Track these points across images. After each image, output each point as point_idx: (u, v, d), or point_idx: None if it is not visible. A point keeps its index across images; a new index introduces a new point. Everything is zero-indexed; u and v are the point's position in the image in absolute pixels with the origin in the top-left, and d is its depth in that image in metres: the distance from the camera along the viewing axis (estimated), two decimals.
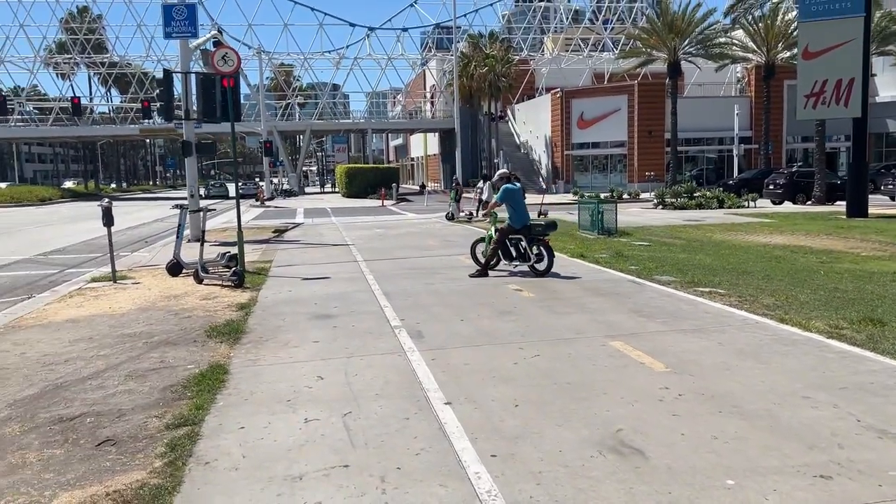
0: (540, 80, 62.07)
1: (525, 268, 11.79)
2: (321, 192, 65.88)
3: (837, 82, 22.78)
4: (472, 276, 11.62)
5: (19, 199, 50.07)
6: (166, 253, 14.74)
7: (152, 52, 67.31)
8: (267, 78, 66.76)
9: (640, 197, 37.78)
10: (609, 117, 45.48)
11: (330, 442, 4.64)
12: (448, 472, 4.13)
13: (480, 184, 25.92)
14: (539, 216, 26.31)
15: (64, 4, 66.56)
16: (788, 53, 38.96)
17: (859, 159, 23.75)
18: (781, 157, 46.27)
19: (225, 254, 12.19)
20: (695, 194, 30.38)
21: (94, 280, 12.24)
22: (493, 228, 12.27)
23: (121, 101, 76.60)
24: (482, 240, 12.62)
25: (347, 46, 68.43)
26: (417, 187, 62.70)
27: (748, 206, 29.21)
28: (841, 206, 25.44)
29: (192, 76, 17.07)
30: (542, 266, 11.58)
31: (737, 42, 42.17)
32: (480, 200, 24.24)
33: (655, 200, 31.17)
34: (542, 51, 69.99)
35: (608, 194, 32.51)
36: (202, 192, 34.60)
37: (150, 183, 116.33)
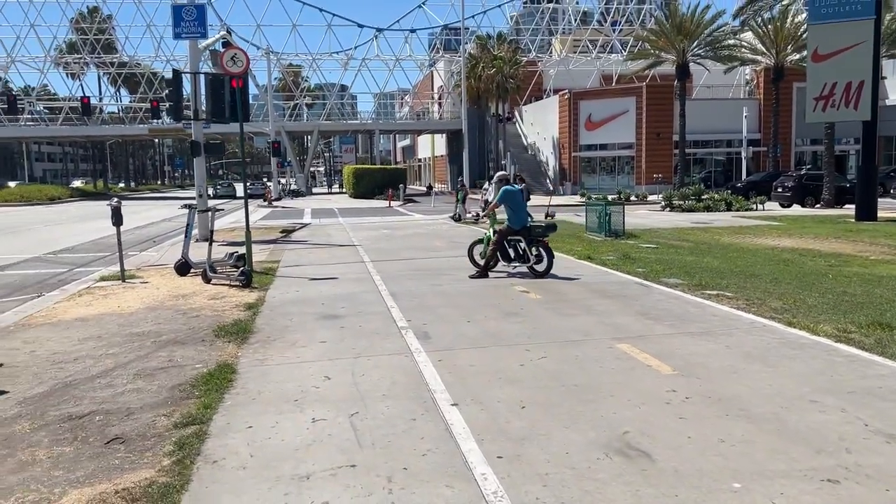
0: (548, 82, 62.06)
1: (524, 269, 11.83)
2: (328, 193, 66.00)
3: (847, 85, 22.70)
4: (471, 276, 11.65)
5: (29, 198, 50.39)
6: (174, 252, 14.81)
7: (161, 52, 67.75)
8: (275, 78, 66.98)
9: (648, 199, 37.70)
10: (617, 119, 45.43)
11: (337, 442, 4.66)
12: (454, 472, 4.15)
13: (486, 185, 25.91)
14: (546, 217, 26.33)
15: (74, 5, 67.11)
16: (798, 56, 38.84)
17: (869, 162, 23.63)
18: (790, 159, 46.11)
19: (233, 254, 12.24)
20: (703, 197, 30.30)
21: (102, 279, 12.30)
22: (491, 230, 12.30)
23: (130, 101, 77.01)
24: (480, 241, 12.64)
25: (356, 47, 68.91)
26: (424, 188, 62.77)
27: (756, 209, 29.11)
28: (850, 209, 25.32)
29: (202, 76, 17.16)
30: (541, 267, 11.63)
31: (746, 44, 42.07)
32: (486, 202, 24.23)
33: (663, 203, 31.11)
34: (550, 52, 69.97)
35: (616, 196, 32.46)
36: (210, 191, 34.70)
37: (159, 182, 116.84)
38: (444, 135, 66.36)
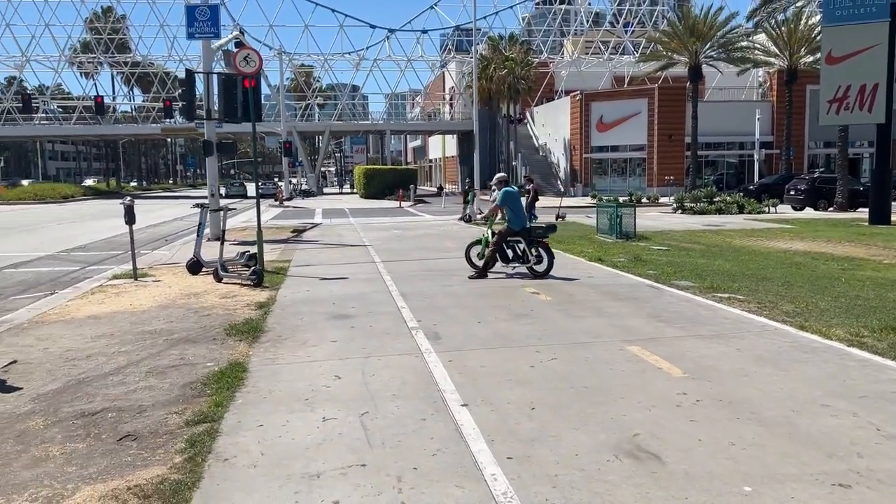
0: (559, 83, 61.97)
1: (523, 269, 11.89)
2: (339, 193, 66.15)
3: (861, 87, 22.56)
4: (470, 277, 11.72)
5: (42, 197, 50.77)
6: (186, 251, 14.90)
7: (175, 52, 68.15)
8: (287, 79, 67.24)
9: (659, 201, 37.58)
10: (629, 121, 45.31)
11: (347, 441, 4.68)
12: (464, 473, 4.15)
13: (515, 187, 25.72)
14: (556, 219, 26.32)
15: (89, 4, 67.59)
16: (811, 58, 38.62)
17: (883, 165, 23.48)
18: (803, 162, 45.84)
19: (244, 253, 12.30)
20: (714, 199, 30.17)
21: (115, 277, 12.39)
22: (489, 231, 12.34)
23: (143, 101, 77.48)
24: (479, 242, 12.66)
25: (367, 48, 68.97)
26: (435, 189, 62.78)
27: (768, 212, 28.96)
28: (863, 212, 25.14)
29: (214, 76, 17.23)
30: (541, 268, 11.72)
31: (759, 46, 41.86)
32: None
33: (674, 205, 31.00)
34: (562, 53, 69.86)
35: (627, 198, 32.38)
36: (222, 191, 34.87)
37: (171, 181, 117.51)
38: (455, 136, 66.37)
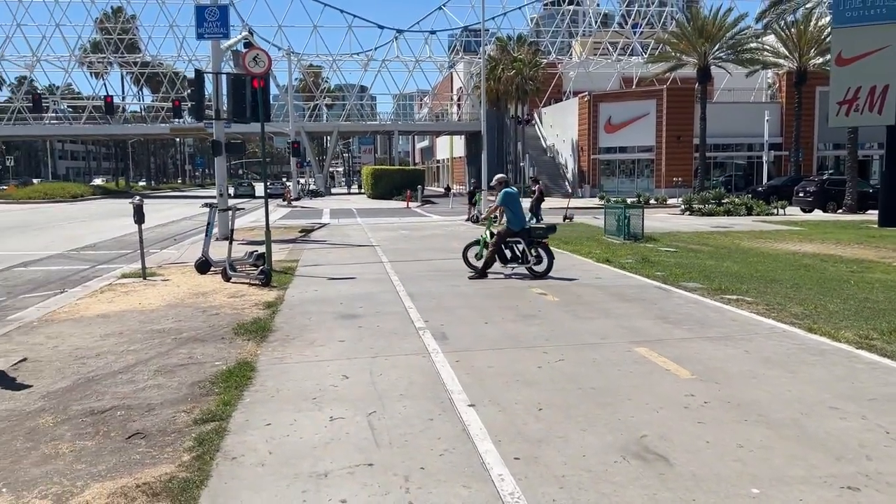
0: (567, 84, 61.90)
1: (522, 270, 11.96)
2: (347, 193, 66.28)
3: (871, 89, 22.45)
4: (470, 278, 11.76)
5: (52, 196, 51.03)
6: (194, 251, 14.96)
7: (184, 52, 68.48)
8: (296, 79, 67.29)
9: (668, 202, 37.49)
10: (637, 122, 45.24)
11: (355, 440, 4.69)
12: (471, 473, 4.16)
13: (514, 188, 25.68)
14: (564, 220, 26.29)
15: (99, 4, 67.85)
16: (821, 59, 38.43)
17: (892, 167, 23.33)
18: (812, 164, 45.65)
19: (252, 252, 12.34)
20: (723, 201, 30.07)
21: (124, 276, 12.45)
22: (487, 232, 12.37)
23: (152, 101, 77.79)
24: (477, 242, 12.70)
25: (376, 48, 68.76)
26: (443, 189, 62.81)
27: (777, 214, 28.84)
28: (873, 215, 25.03)
29: (223, 76, 17.33)
30: (540, 268, 11.81)
31: (768, 47, 41.69)
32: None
33: (683, 206, 30.92)
34: (571, 54, 69.75)
35: (635, 199, 32.32)
36: (230, 191, 34.97)
37: (179, 181, 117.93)
38: (463, 136, 66.38)
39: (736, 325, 8.05)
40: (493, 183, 12.62)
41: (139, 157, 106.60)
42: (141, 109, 78.66)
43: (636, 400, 5.41)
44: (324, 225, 26.21)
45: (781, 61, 41.77)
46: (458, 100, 70.54)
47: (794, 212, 30.15)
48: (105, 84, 77.90)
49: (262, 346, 7.32)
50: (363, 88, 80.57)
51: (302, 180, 61.20)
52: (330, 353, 6.99)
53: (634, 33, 67.79)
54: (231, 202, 16.94)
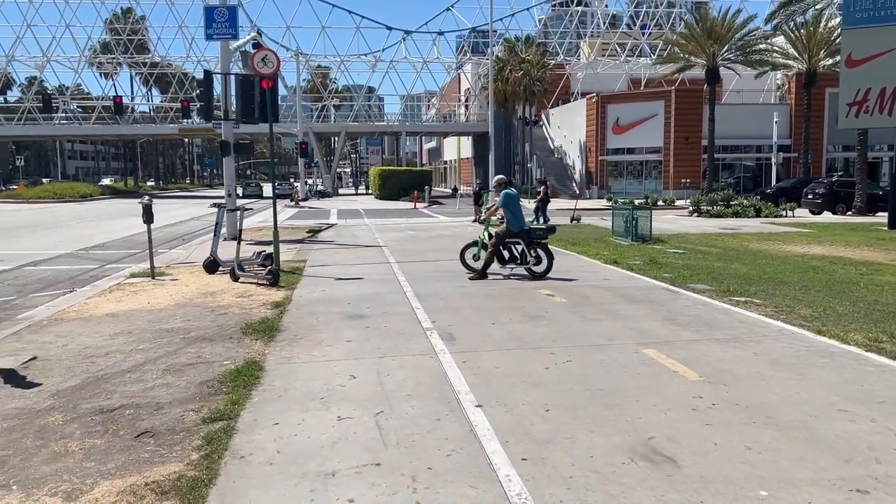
0: (575, 85, 61.86)
1: (521, 270, 12.02)
2: (355, 194, 66.35)
3: (881, 91, 22.33)
4: (470, 278, 11.79)
5: (61, 195, 51.28)
6: (203, 251, 15.01)
7: (193, 52, 68.68)
8: (304, 80, 67.56)
9: (676, 204, 37.39)
10: (645, 123, 45.14)
11: (362, 440, 4.70)
12: (479, 473, 4.16)
13: (514, 189, 25.65)
14: (571, 221, 26.25)
15: (109, 5, 68.25)
16: (831, 61, 38.27)
17: None
18: (821, 166, 45.46)
19: (260, 252, 12.38)
20: (731, 202, 29.96)
21: (132, 276, 12.50)
22: (486, 232, 12.40)
23: (161, 101, 78.08)
24: (475, 243, 12.71)
25: (384, 49, 68.79)
26: (450, 190, 62.83)
27: (786, 216, 28.73)
28: (882, 217, 24.90)
29: (232, 77, 17.38)
30: (540, 269, 11.86)
31: (777, 49, 41.54)
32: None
33: (691, 208, 30.85)
34: (579, 55, 69.68)
35: (643, 201, 32.24)
36: (239, 191, 35.10)
37: (188, 181, 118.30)
38: (471, 137, 66.37)
39: (744, 327, 8.03)
40: (493, 184, 12.67)
41: (148, 157, 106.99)
42: (150, 110, 79.02)
43: (644, 401, 5.41)
44: (331, 225, 26.26)
45: (791, 62, 41.62)
46: (466, 101, 70.55)
47: (802, 214, 30.03)
48: (114, 84, 78.31)
49: (271, 345, 7.34)
50: (371, 89, 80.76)
51: (309, 181, 61.39)
52: (337, 353, 7.00)
53: (643, 34, 67.61)
54: (239, 202, 17.00)
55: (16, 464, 4.41)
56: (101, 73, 76.58)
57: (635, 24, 68.92)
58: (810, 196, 31.47)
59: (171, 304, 9.82)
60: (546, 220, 24.17)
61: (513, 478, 4.07)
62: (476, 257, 12.44)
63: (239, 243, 12.41)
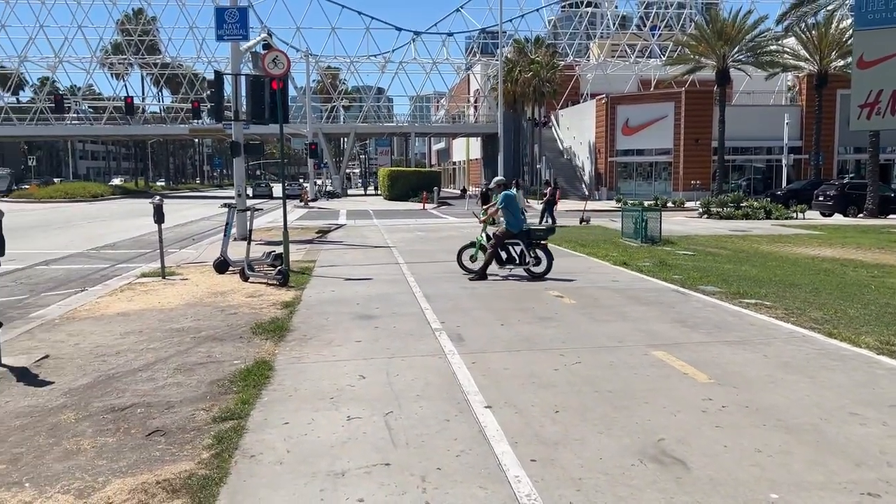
0: (585, 86, 61.72)
1: (519, 271, 12.10)
2: (364, 195, 66.44)
3: (893, 92, 22.23)
4: (470, 279, 11.82)
5: (73, 195, 51.58)
6: (213, 250, 15.07)
7: (203, 53, 69.04)
8: (313, 80, 67.76)
9: (685, 206, 37.28)
10: (655, 124, 44.99)
11: (372, 440, 4.72)
12: (488, 474, 4.17)
13: (514, 191, 25.52)
14: (581, 223, 26.20)
15: (120, 6, 68.70)
16: (842, 62, 38.08)
17: None
18: (832, 168, 45.20)
19: (270, 253, 12.42)
20: (741, 204, 29.84)
21: (143, 275, 12.58)
22: (483, 234, 12.41)
23: (172, 102, 78.45)
24: (471, 245, 12.73)
25: (393, 50, 68.92)
26: (459, 191, 62.84)
27: (796, 218, 28.59)
28: (894, 219, 24.77)
29: (243, 78, 17.45)
30: (539, 269, 11.95)
31: (788, 50, 41.34)
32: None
33: (701, 209, 30.74)
34: (588, 56, 69.56)
35: (652, 202, 32.16)
36: (249, 191, 35.25)
37: (198, 181, 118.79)
38: (480, 138, 66.37)
39: (754, 329, 8.00)
40: (492, 186, 12.73)
41: (158, 157, 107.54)
42: (160, 110, 79.40)
43: (653, 403, 5.40)
44: (340, 226, 26.31)
45: (802, 64, 41.40)
46: (475, 102, 70.56)
47: (813, 216, 29.88)
48: (125, 85, 78.96)
49: (280, 345, 7.37)
50: (380, 90, 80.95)
51: (319, 181, 61.49)
52: (347, 354, 7.02)
53: (652, 35, 67.45)
54: (249, 203, 17.06)
55: (29, 461, 4.45)
56: (112, 74, 77.10)
57: (645, 25, 68.77)
58: (821, 198, 31.31)
59: (181, 303, 9.87)
60: (552, 221, 24.16)
61: (522, 479, 4.08)
62: (473, 258, 12.52)
63: (249, 243, 12.46)
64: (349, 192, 70.45)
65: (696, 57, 41.64)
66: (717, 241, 19.06)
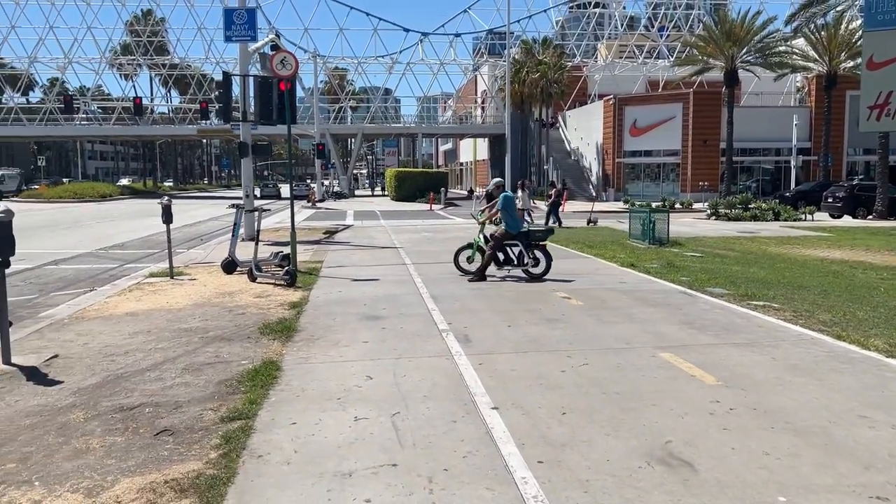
0: (593, 87, 61.62)
1: (518, 272, 12.15)
2: (371, 195, 66.56)
3: None
4: (470, 280, 11.85)
5: (81, 195, 51.84)
6: (221, 251, 15.12)
7: (212, 54, 69.26)
8: (321, 81, 67.79)
9: (693, 207, 37.17)
10: (663, 125, 44.88)
11: (379, 441, 4.73)
12: (495, 475, 4.17)
13: (519, 192, 25.47)
14: (588, 224, 26.17)
15: (129, 7, 69.09)
16: (852, 63, 37.91)
17: None
18: (841, 169, 44.99)
19: (278, 253, 12.46)
20: (750, 205, 29.75)
21: (151, 275, 12.63)
22: (480, 236, 12.45)
23: (180, 102, 78.80)
24: (469, 246, 12.75)
25: (401, 51, 69.03)
26: (466, 192, 62.85)
27: (805, 220, 28.48)
28: None
29: (251, 79, 17.48)
30: (537, 270, 12.00)
31: (797, 51, 41.18)
32: (519, 209, 23.85)
33: (709, 211, 30.65)
34: (596, 57, 69.51)
35: (660, 203, 32.08)
36: (256, 192, 35.29)
37: (205, 182, 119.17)
38: (487, 139, 66.39)
39: (763, 331, 7.97)
40: (491, 187, 12.74)
41: (166, 157, 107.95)
42: (169, 111, 79.83)
43: (661, 405, 5.39)
44: (348, 226, 26.36)
45: (811, 65, 41.24)
46: (482, 102, 70.58)
47: (822, 217, 29.74)
48: (134, 86, 79.71)
49: (288, 345, 7.39)
50: (388, 91, 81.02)
51: (326, 182, 61.59)
52: (354, 354, 7.03)
53: (661, 36, 67.32)
54: (257, 203, 17.10)
55: (38, 460, 4.48)
56: (121, 75, 77.56)
57: (653, 26, 68.66)
58: (830, 200, 31.17)
59: (189, 303, 9.90)
60: (558, 223, 24.12)
61: (529, 480, 4.08)
62: (470, 260, 12.57)
63: (257, 244, 12.49)
64: (356, 192, 70.61)
65: (705, 58, 41.52)
66: (726, 242, 19.01)
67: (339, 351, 7.18)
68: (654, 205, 28.36)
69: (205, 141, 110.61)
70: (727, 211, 29.45)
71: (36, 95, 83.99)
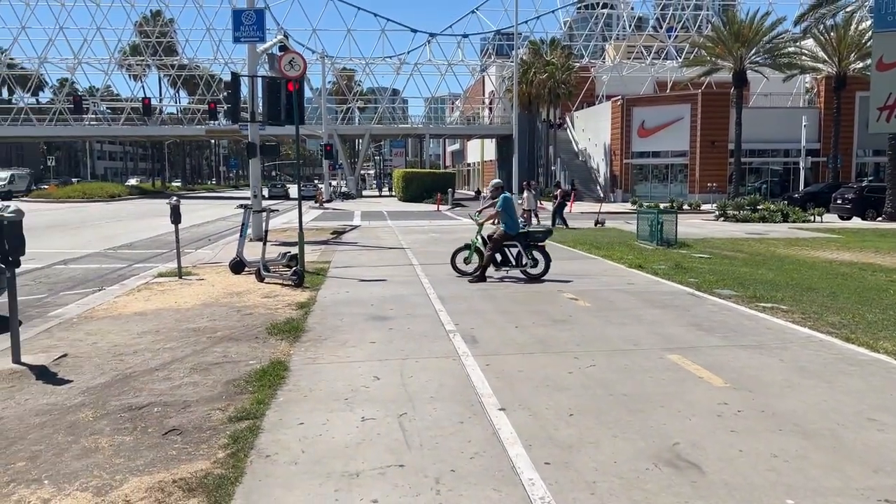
0: (600, 88, 61.48)
1: (516, 273, 12.17)
2: (378, 196, 66.62)
3: None
4: (470, 280, 11.87)
5: (90, 195, 52.08)
6: (229, 251, 15.18)
7: (220, 54, 69.98)
8: (329, 82, 67.89)
9: (701, 208, 37.04)
10: (671, 126, 44.75)
11: (386, 441, 4.74)
12: (502, 476, 4.17)
13: (525, 193, 25.45)
14: (596, 225, 26.12)
15: (138, 8, 69.40)
16: (861, 64, 37.71)
17: None
18: (851, 170, 44.75)
19: (286, 253, 12.50)
20: (758, 207, 29.64)
21: (160, 275, 12.68)
22: (478, 236, 12.46)
23: (188, 103, 79.11)
24: (467, 246, 12.76)
25: (408, 52, 69.08)
26: (473, 193, 62.84)
27: (814, 221, 28.35)
28: None
29: (259, 79, 17.55)
30: (536, 271, 12.03)
31: (806, 52, 41.00)
32: (524, 210, 23.88)
33: (717, 212, 30.54)
34: (604, 58, 69.36)
35: (668, 204, 31.99)
36: (264, 192, 35.40)
37: (213, 182, 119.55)
38: (494, 140, 66.35)
39: (771, 333, 7.94)
40: (491, 188, 12.72)
41: (175, 158, 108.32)
42: (177, 111, 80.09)
43: (668, 407, 5.38)
44: (355, 227, 26.39)
45: (820, 66, 41.06)
46: (490, 103, 70.55)
47: (831, 219, 29.60)
48: (143, 86, 79.54)
49: (295, 346, 7.41)
50: (395, 91, 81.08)
51: (334, 182, 61.67)
52: (361, 355, 7.05)
53: (669, 37, 67.13)
54: (265, 203, 17.15)
55: (47, 459, 4.51)
56: (130, 75, 77.88)
57: (661, 27, 68.47)
58: (839, 201, 31.00)
59: (197, 303, 9.94)
60: (564, 224, 24.09)
61: (536, 482, 4.08)
62: (467, 261, 12.60)
63: (265, 244, 12.53)
64: (364, 193, 70.65)
65: (713, 59, 41.41)
66: (734, 244, 18.95)
67: (346, 351, 7.20)
68: (661, 206, 28.31)
69: (213, 141, 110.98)
70: (735, 212, 29.35)
71: (46, 96, 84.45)
